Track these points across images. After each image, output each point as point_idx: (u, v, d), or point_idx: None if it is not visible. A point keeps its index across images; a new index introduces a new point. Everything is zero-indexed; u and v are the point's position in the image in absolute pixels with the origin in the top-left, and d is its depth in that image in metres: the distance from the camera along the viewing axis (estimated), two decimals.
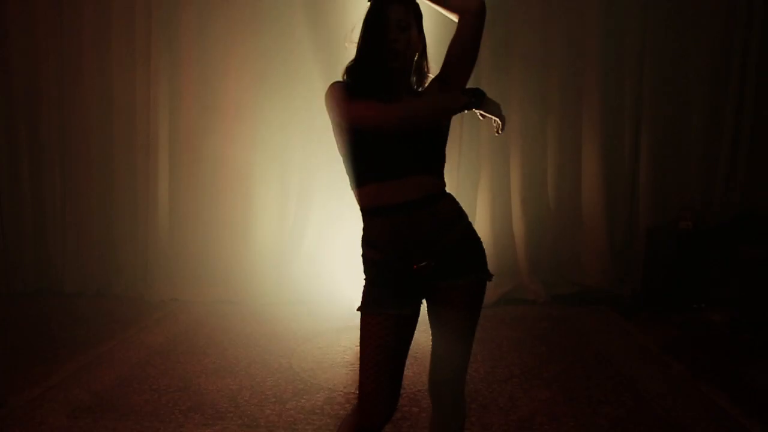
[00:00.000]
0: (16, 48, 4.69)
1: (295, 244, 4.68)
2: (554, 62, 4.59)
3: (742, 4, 4.43)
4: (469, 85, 1.67)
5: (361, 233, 1.67)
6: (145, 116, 4.67)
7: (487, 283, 1.68)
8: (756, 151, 4.55)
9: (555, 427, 2.59)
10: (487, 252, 1.71)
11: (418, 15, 1.62)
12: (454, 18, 1.67)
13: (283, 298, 4.52)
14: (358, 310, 1.62)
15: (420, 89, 1.68)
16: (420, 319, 1.66)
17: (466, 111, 1.58)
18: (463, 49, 1.66)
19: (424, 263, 1.59)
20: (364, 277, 1.67)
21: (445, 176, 1.68)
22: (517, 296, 4.54)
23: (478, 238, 1.69)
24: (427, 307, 1.69)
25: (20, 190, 4.80)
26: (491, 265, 1.72)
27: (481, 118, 1.64)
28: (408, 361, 1.65)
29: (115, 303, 4.56)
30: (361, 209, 1.64)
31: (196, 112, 4.70)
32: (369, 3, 1.60)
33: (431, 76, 1.69)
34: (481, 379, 3.09)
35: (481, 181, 4.66)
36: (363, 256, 1.67)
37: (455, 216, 1.65)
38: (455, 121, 4.50)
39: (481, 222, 4.62)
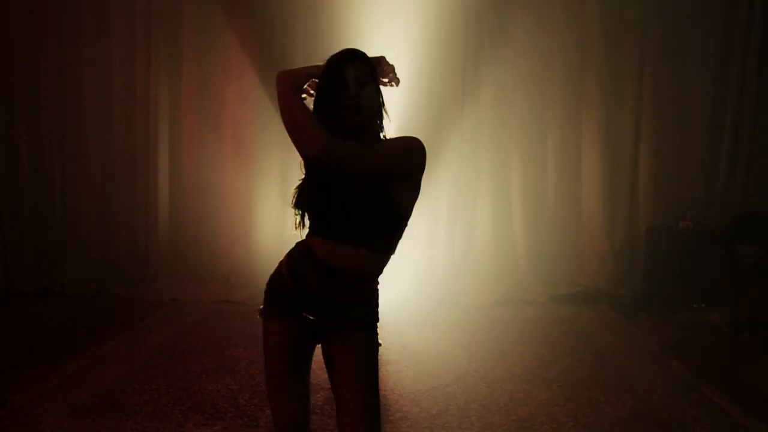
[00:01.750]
0: (17, 48, 4.69)
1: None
2: (554, 62, 4.59)
3: (743, 4, 4.43)
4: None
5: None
6: (145, 116, 4.68)
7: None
8: (756, 152, 4.55)
9: (555, 427, 2.59)
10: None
11: (374, 73, 1.61)
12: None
13: None
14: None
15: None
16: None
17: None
18: None
19: (312, 317, 1.65)
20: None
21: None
22: (517, 296, 4.50)
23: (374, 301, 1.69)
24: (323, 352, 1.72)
25: (20, 190, 4.80)
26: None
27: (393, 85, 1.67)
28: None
29: (115, 303, 4.56)
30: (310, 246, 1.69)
31: (196, 112, 4.70)
32: (326, 62, 1.59)
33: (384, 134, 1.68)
34: (481, 379, 3.09)
35: (481, 180, 4.66)
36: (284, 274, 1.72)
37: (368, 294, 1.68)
38: (454, 120, 4.51)
39: (481, 221, 4.58)
